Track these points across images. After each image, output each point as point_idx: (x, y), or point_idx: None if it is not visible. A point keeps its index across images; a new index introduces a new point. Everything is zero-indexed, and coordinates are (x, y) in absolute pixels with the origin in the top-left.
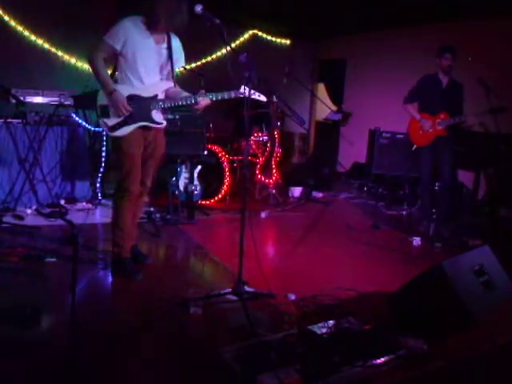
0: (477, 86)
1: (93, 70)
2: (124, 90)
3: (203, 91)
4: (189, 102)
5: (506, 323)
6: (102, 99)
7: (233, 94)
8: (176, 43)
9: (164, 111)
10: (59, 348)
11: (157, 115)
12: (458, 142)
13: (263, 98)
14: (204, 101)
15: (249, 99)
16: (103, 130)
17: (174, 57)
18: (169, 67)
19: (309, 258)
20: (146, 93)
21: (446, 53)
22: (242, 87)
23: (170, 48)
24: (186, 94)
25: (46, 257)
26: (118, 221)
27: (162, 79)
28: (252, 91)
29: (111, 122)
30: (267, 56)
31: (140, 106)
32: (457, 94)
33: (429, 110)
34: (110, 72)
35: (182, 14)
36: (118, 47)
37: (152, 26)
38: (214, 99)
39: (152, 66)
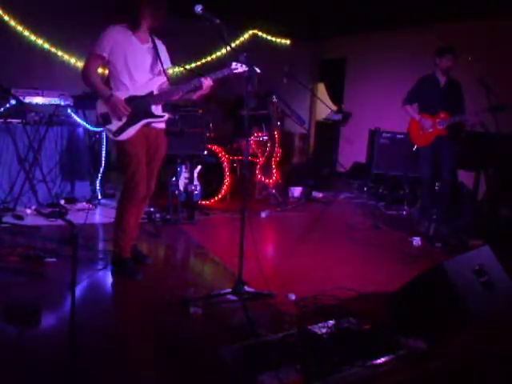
0: (477, 85)
1: (87, 83)
2: (120, 95)
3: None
4: (185, 91)
5: (506, 323)
6: (100, 108)
7: (226, 72)
8: (160, 44)
9: (163, 107)
10: (59, 348)
11: (157, 110)
12: (458, 141)
13: (258, 70)
14: (206, 83)
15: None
16: (103, 131)
17: (162, 56)
18: (159, 66)
19: (309, 258)
20: (141, 92)
21: (448, 54)
22: (234, 63)
23: (155, 48)
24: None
25: (46, 257)
26: (121, 222)
27: (154, 76)
28: (244, 66)
29: (114, 126)
30: (267, 56)
31: (138, 105)
32: (455, 92)
33: (428, 110)
34: (105, 72)
35: (163, 8)
36: (106, 55)
37: (135, 25)
38: (207, 81)
39: (142, 65)
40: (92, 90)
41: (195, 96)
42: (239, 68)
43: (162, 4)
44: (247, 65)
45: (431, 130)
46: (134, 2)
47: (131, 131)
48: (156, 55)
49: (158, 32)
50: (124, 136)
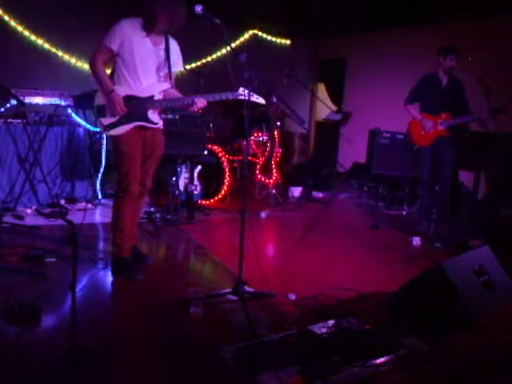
0: (477, 86)
1: (92, 71)
2: (121, 91)
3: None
4: (185, 103)
5: (506, 323)
6: (98, 99)
7: (230, 96)
8: (174, 46)
9: (162, 111)
10: (59, 348)
11: (153, 115)
12: (459, 142)
13: (262, 101)
14: (200, 102)
15: (248, 101)
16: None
17: (172, 59)
18: (166, 69)
19: (309, 258)
20: (142, 93)
21: (451, 54)
22: (241, 89)
23: (167, 50)
24: (179, 95)
25: (46, 257)
26: (118, 221)
27: (159, 80)
28: (250, 93)
29: (107, 121)
30: (267, 56)
31: (136, 106)
32: (458, 92)
33: (430, 110)
34: (109, 72)
35: (181, 14)
36: (115, 48)
37: (150, 27)
38: (212, 100)
39: (149, 66)
40: (96, 79)
41: (191, 109)
42: (246, 95)
43: (179, 10)
44: (250, 95)
45: (432, 131)
46: (146, 7)
47: (123, 129)
48: (166, 58)
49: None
50: (114, 132)
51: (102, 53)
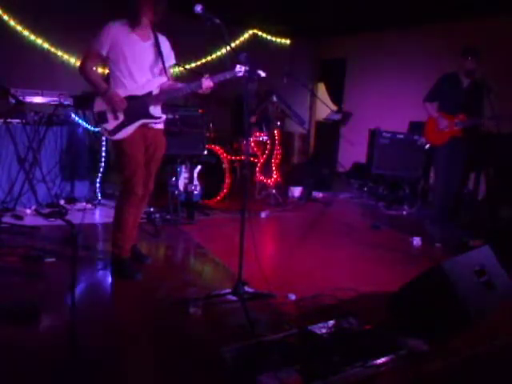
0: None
1: (84, 78)
2: (119, 93)
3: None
4: (184, 92)
5: (506, 323)
6: (97, 106)
7: (228, 75)
8: (164, 40)
9: (163, 106)
10: (59, 348)
11: (155, 110)
12: (472, 144)
13: (263, 74)
14: (207, 81)
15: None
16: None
17: (164, 53)
18: (160, 64)
19: (309, 258)
20: (140, 91)
21: (468, 55)
22: (238, 66)
23: (157, 45)
24: (181, 84)
25: (45, 257)
26: (120, 222)
27: (154, 76)
28: (248, 68)
29: (110, 125)
30: (267, 56)
31: (136, 104)
32: (478, 94)
33: (447, 109)
34: (106, 72)
35: (161, 1)
36: (104, 52)
37: (135, 22)
38: (207, 82)
39: (143, 63)
40: (89, 84)
41: (199, 91)
42: (242, 71)
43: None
44: (251, 67)
45: (446, 130)
46: (130, 2)
47: (127, 131)
48: (158, 52)
49: (161, 28)
50: (120, 135)
51: (92, 57)
